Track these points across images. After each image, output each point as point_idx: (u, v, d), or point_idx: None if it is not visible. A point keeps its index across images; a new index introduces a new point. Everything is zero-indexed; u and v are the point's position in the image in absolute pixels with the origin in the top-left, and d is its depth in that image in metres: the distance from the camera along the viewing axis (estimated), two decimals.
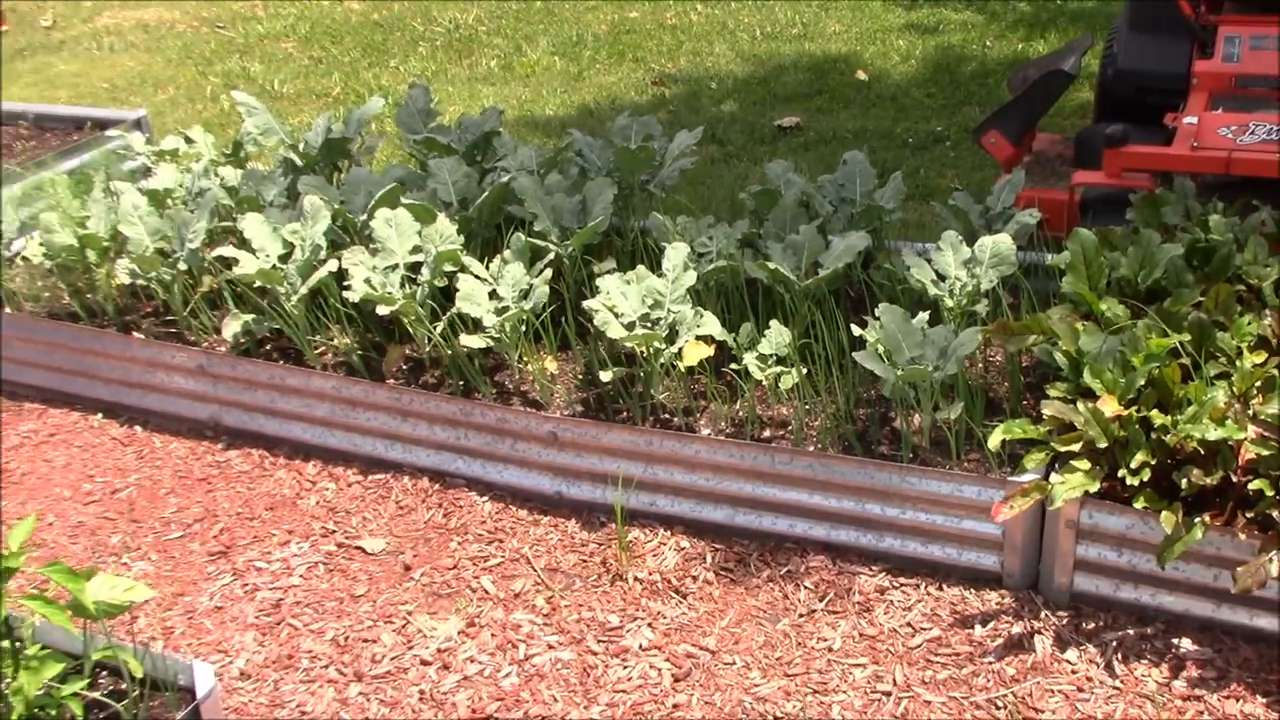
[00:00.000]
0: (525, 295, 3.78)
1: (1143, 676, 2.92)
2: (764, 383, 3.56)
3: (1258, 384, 3.02)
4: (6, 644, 2.33)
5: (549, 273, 3.78)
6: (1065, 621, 3.08)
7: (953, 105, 6.58)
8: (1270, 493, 2.80)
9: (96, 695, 2.49)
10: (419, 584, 3.43)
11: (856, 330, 3.43)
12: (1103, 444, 2.96)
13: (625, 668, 3.08)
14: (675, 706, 2.96)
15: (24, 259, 4.60)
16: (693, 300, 3.68)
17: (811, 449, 3.47)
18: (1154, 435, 2.95)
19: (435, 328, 3.82)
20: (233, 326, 4.07)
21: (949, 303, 3.58)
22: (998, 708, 2.88)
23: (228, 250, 4.06)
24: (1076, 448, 2.98)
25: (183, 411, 4.23)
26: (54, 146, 5.41)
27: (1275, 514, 2.78)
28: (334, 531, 3.66)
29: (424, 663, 3.16)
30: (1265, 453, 2.84)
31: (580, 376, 3.91)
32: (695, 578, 3.35)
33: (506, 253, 3.89)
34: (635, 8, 8.82)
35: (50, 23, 9.78)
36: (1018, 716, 2.85)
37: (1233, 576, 2.79)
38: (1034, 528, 3.12)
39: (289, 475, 3.94)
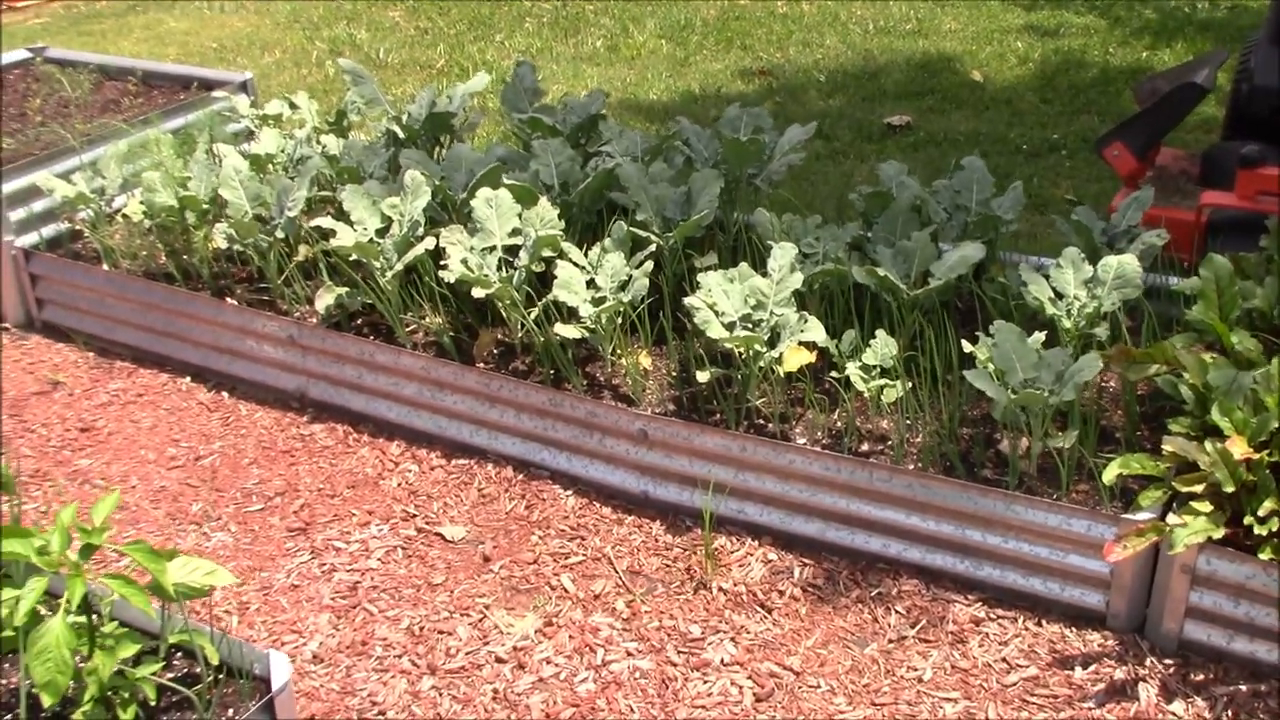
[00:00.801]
0: (624, 286, 3.68)
1: None
2: (866, 394, 3.43)
3: None
4: (85, 619, 2.28)
5: (649, 264, 3.67)
6: (1172, 670, 2.91)
7: (1070, 113, 6.34)
8: None
9: (169, 680, 2.44)
10: (498, 577, 3.35)
11: (967, 346, 3.28)
12: (1229, 488, 2.78)
13: (705, 682, 2.97)
14: None
15: (124, 216, 4.60)
16: (796, 303, 3.55)
17: (912, 467, 3.33)
18: None
19: (529, 314, 3.74)
20: (326, 299, 4.02)
21: (1066, 324, 3.41)
22: None
23: (325, 221, 4.00)
24: (1199, 489, 2.82)
25: (270, 381, 4.19)
26: (160, 105, 5.41)
27: None
28: (414, 516, 3.60)
29: (499, 660, 3.07)
30: None
31: (674, 374, 3.80)
32: (781, 592, 3.23)
33: (607, 241, 3.79)
34: None
35: None
36: None
37: None
38: (1145, 569, 2.96)
39: (372, 454, 3.88)
